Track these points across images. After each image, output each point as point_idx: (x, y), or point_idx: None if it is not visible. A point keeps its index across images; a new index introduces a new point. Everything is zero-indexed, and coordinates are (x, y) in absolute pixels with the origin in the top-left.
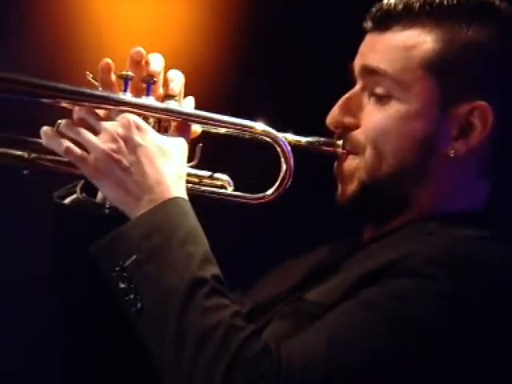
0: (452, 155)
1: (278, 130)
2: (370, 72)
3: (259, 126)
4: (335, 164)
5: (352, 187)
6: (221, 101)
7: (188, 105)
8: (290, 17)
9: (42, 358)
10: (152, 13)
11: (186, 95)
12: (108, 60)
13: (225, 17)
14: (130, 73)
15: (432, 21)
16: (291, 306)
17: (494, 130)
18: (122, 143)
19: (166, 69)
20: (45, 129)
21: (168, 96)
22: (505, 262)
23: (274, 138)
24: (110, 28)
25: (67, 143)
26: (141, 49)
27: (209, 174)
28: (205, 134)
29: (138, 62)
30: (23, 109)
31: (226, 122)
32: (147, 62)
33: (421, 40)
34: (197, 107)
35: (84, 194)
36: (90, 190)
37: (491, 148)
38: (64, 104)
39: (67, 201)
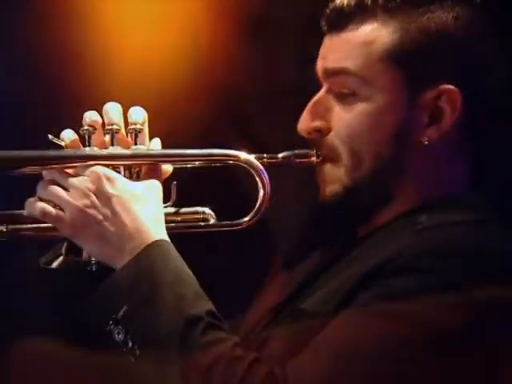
0: (426, 142)
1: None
2: (332, 73)
3: (233, 153)
4: (316, 172)
5: (333, 189)
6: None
7: (155, 146)
8: None
9: None
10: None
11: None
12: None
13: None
14: (90, 128)
15: (386, 13)
16: (287, 319)
17: (464, 112)
18: (93, 197)
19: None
20: (29, 199)
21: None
22: (499, 245)
23: (252, 165)
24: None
25: (42, 205)
26: (95, 113)
27: (189, 210)
28: (178, 170)
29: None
30: None
31: (196, 156)
32: (106, 113)
33: (378, 33)
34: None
35: (70, 255)
36: (76, 249)
37: (463, 129)
38: (31, 171)
39: (54, 265)
